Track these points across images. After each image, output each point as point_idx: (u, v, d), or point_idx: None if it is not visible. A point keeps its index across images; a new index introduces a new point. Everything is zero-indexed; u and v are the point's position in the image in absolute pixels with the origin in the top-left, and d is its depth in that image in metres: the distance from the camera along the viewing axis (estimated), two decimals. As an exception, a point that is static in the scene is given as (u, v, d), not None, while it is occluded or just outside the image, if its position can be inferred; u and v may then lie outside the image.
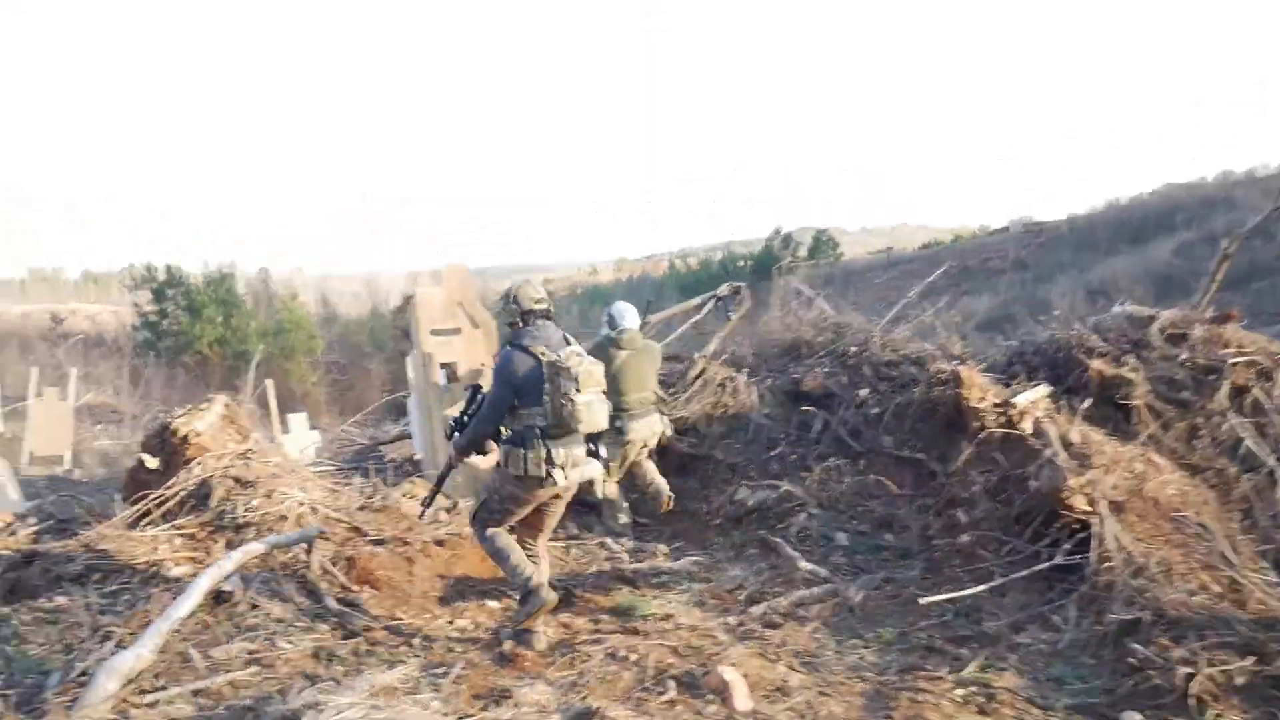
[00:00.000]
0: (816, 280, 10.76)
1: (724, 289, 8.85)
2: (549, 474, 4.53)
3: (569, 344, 4.72)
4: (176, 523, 5.71)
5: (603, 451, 4.92)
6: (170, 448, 6.20)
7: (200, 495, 5.93)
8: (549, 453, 4.51)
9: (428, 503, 5.37)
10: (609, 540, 6.96)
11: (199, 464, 6.07)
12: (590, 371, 4.58)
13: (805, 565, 6.13)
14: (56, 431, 11.65)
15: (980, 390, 7.05)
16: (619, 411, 6.94)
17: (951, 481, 6.92)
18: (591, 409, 4.57)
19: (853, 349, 8.73)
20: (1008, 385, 7.46)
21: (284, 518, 5.71)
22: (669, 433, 7.46)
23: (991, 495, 6.66)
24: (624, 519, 7.29)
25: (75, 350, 21.28)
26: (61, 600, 4.96)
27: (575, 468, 4.65)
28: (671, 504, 7.12)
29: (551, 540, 6.92)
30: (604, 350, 7.17)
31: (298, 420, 10.09)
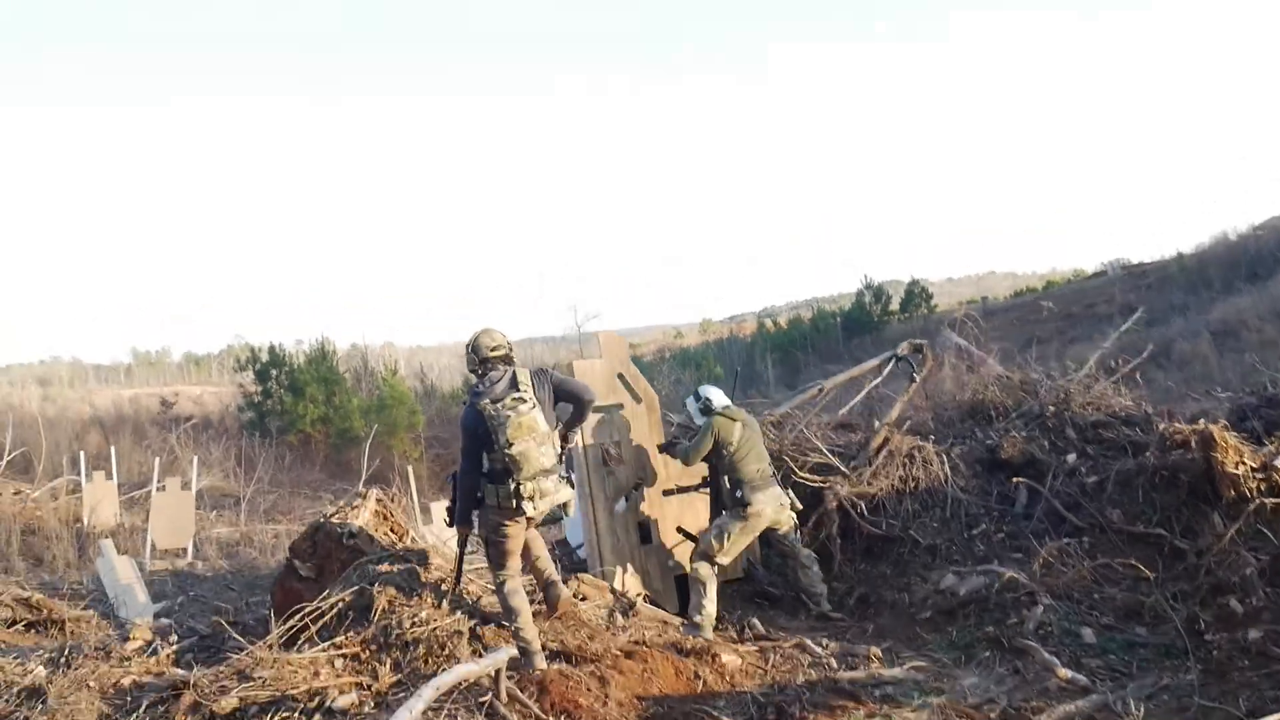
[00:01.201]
0: (979, 335, 9.77)
1: (904, 347, 7.94)
2: (519, 506, 4.91)
3: (516, 389, 5.00)
4: (336, 640, 5.00)
5: (571, 486, 5.25)
6: (323, 551, 5.54)
7: (360, 606, 5.23)
8: (517, 487, 4.88)
9: (456, 582, 5.44)
10: (808, 641, 6.07)
11: (356, 570, 5.38)
12: (519, 423, 4.87)
13: (1064, 673, 5.15)
14: (179, 522, 11.22)
15: (1236, 453, 6.03)
16: (739, 485, 6.52)
17: (1211, 562, 5.88)
18: (527, 456, 4.87)
19: (1050, 409, 7.75)
20: (1257, 445, 6.43)
21: (459, 632, 4.97)
22: (798, 505, 6.83)
23: (1267, 579, 5.63)
24: (709, 609, 6.39)
25: (186, 434, 21.21)
26: (219, 743, 4.28)
27: (544, 498, 4.97)
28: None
29: (739, 643, 6.11)
30: (718, 430, 6.58)
31: (439, 509, 9.42)
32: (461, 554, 5.29)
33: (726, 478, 6.65)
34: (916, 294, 64.46)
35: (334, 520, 5.63)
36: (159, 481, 12.45)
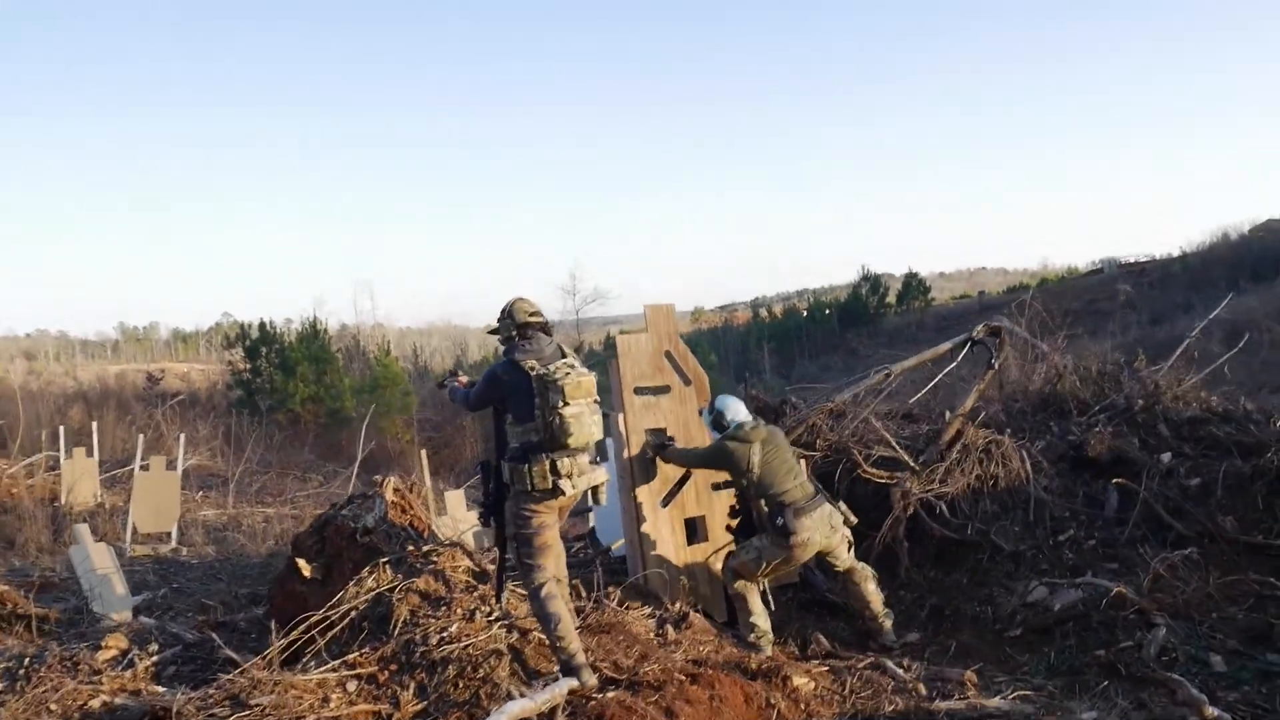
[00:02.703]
0: (1047, 321, 8.94)
1: (979, 330, 7.09)
2: (555, 485, 4.36)
3: (564, 356, 4.61)
4: (349, 658, 4.19)
5: (606, 467, 4.84)
6: (332, 549, 4.72)
7: (377, 617, 4.42)
8: (553, 464, 4.36)
9: (498, 590, 4.77)
10: (888, 662, 5.28)
11: (371, 573, 4.57)
12: (579, 383, 4.40)
13: (1211, 711, 4.37)
14: (163, 505, 10.36)
15: (1383, 458, 5.26)
16: (779, 509, 5.50)
17: (1353, 581, 5.13)
18: (580, 421, 4.37)
19: (1138, 403, 6.97)
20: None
21: (496, 651, 4.15)
22: (853, 519, 5.78)
23: None
24: (761, 624, 5.59)
25: (173, 411, 20.31)
26: (210, 787, 3.46)
27: (581, 475, 4.46)
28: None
29: (804, 661, 5.34)
30: (730, 454, 5.66)
31: (454, 498, 8.55)
32: (503, 557, 4.49)
33: (761, 500, 5.65)
34: (914, 286, 63.79)
35: (345, 514, 4.80)
36: (142, 459, 11.58)
